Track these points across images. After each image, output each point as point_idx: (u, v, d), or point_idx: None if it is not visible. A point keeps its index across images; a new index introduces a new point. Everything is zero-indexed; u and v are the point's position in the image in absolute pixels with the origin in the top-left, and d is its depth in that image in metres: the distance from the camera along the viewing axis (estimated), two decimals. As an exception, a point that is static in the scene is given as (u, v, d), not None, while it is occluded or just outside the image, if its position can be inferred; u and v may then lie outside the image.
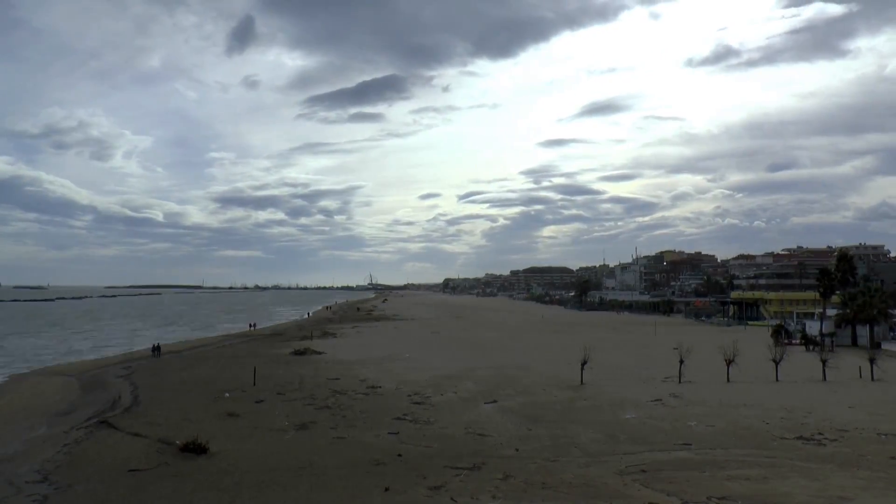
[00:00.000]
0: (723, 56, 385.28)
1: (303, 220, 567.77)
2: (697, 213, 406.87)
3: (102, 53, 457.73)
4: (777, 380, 33.86)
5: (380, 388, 31.47)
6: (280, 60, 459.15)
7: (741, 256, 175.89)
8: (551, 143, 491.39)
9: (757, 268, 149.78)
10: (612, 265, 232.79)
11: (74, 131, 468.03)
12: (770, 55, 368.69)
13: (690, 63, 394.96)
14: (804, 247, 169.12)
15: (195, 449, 18.76)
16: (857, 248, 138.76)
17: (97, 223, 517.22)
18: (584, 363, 33.02)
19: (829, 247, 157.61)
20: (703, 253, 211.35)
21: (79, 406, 28.46)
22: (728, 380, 33.35)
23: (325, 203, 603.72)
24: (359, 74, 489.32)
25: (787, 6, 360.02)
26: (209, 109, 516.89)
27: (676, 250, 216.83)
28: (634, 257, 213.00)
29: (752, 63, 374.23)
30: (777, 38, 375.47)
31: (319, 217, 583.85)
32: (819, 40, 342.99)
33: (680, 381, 33.01)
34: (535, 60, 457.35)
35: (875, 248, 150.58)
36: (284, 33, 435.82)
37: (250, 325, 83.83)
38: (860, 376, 35.75)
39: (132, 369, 40.16)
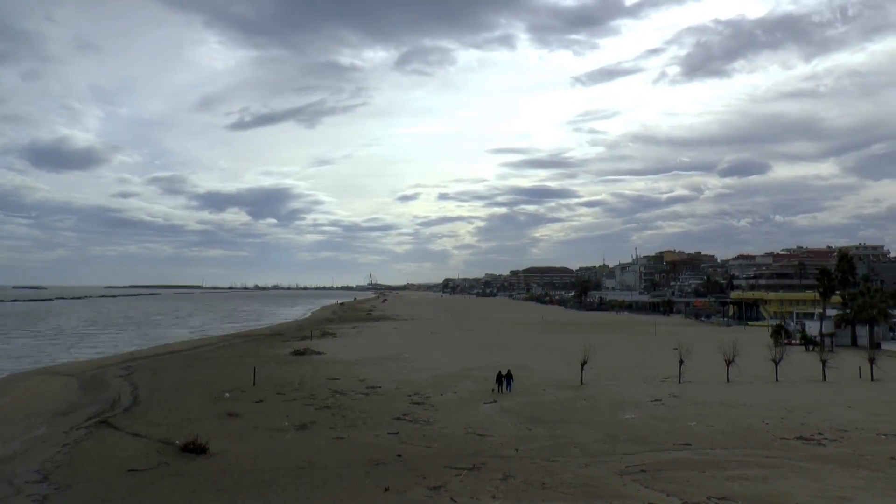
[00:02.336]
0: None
1: (293, 223, 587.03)
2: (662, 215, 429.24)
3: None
4: (777, 380, 33.86)
5: (379, 388, 31.46)
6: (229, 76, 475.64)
7: (741, 256, 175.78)
8: (500, 151, 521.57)
9: (757, 268, 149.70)
10: (611, 265, 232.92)
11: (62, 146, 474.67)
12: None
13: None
14: (804, 247, 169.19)
15: (195, 449, 18.75)
16: (856, 248, 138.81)
17: (90, 226, 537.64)
18: (583, 363, 33.01)
19: (829, 247, 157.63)
20: (702, 253, 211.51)
21: (79, 406, 28.42)
22: (728, 380, 33.35)
23: (311, 206, 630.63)
24: (305, 92, 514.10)
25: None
26: (173, 129, 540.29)
27: (676, 250, 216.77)
28: (634, 257, 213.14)
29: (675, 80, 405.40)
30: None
31: (310, 219, 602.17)
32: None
33: (680, 382, 33.00)
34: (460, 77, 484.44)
35: (875, 248, 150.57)
36: (233, 57, 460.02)
37: None
38: (860, 376, 35.75)
39: (132, 369, 40.14)
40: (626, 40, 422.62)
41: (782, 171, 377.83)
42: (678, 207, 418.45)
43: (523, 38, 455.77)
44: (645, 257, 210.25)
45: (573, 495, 14.70)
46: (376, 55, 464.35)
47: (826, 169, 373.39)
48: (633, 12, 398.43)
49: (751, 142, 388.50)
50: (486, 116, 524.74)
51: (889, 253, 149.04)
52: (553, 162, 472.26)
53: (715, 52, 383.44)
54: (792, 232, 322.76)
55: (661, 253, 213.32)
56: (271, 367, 39.46)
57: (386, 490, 15.26)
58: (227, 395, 29.66)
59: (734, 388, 31.65)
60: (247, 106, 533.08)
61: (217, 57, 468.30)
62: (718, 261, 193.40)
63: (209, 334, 75.27)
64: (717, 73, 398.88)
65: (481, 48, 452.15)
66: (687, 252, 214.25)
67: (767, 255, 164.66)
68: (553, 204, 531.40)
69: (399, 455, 18.61)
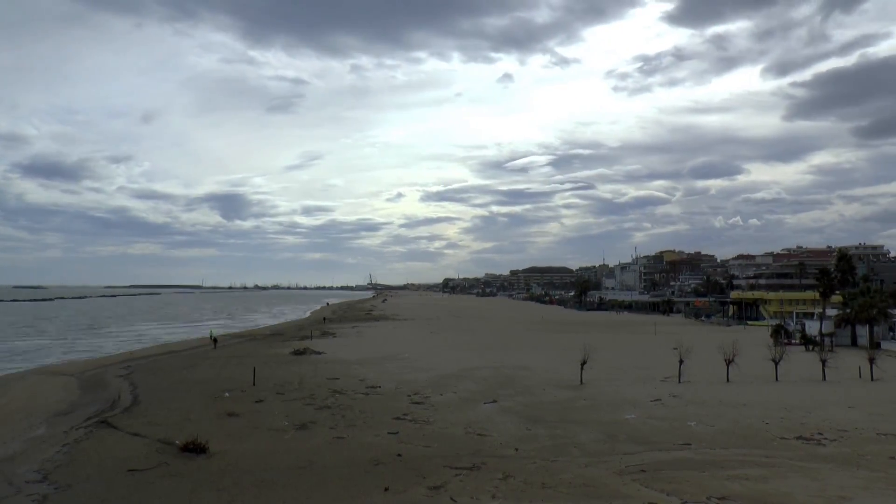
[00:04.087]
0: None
1: (285, 225, 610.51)
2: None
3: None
4: (777, 380, 33.87)
5: (379, 388, 31.47)
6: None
7: (741, 256, 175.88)
8: (464, 159, 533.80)
9: (757, 268, 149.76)
10: (611, 265, 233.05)
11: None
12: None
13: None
14: (804, 247, 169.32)
15: (195, 449, 18.74)
16: (856, 248, 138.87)
17: (83, 227, 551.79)
18: (583, 363, 33.02)
19: (828, 247, 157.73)
20: (702, 253, 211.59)
21: (78, 406, 28.42)
22: (728, 380, 33.36)
23: (300, 208, 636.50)
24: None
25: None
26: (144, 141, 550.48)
27: (676, 250, 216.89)
28: (634, 257, 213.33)
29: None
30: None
31: (301, 221, 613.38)
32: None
33: (679, 381, 33.01)
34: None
35: (875, 248, 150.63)
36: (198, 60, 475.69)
37: None
38: (860, 376, 35.76)
39: (132, 369, 40.15)
40: (555, 57, 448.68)
41: (747, 176, 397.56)
42: (657, 209, 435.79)
43: (455, 58, 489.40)
44: (645, 257, 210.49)
45: (573, 495, 14.69)
46: (324, 69, 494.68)
47: (784, 175, 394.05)
48: (552, 33, 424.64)
49: (691, 150, 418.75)
50: (439, 126, 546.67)
51: (889, 253, 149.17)
52: (521, 167, 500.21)
53: (632, 71, 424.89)
54: (756, 232, 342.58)
55: (661, 253, 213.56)
56: (271, 367, 39.46)
57: (386, 490, 15.25)
58: (227, 394, 29.68)
59: (734, 387, 31.65)
60: (219, 114, 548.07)
61: (176, 72, 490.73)
62: (718, 261, 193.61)
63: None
64: (641, 90, 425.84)
65: (418, 64, 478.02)
66: (687, 252, 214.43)
67: (767, 254, 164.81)
68: (529, 206, 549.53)
69: (399, 455, 18.61)
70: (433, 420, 23.91)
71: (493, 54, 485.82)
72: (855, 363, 38.00)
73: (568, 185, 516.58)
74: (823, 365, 35.26)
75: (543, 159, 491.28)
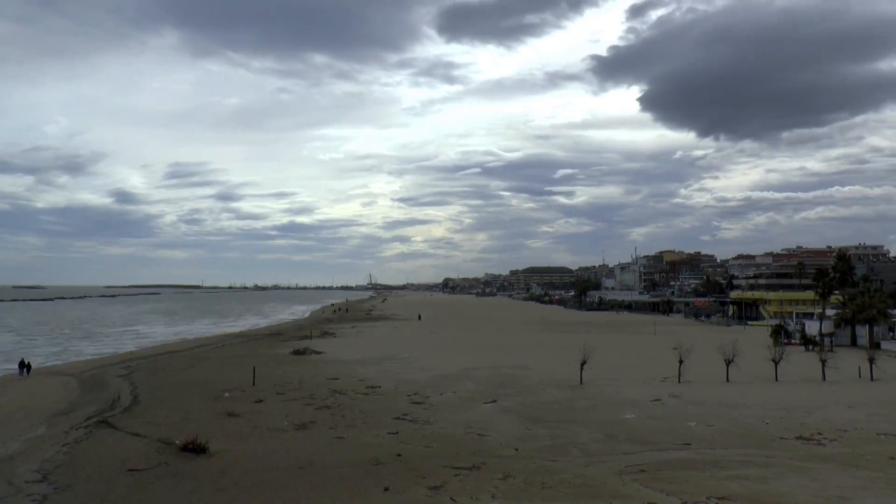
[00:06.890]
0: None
1: (278, 227, 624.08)
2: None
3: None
4: (776, 380, 33.88)
5: (379, 388, 31.47)
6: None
7: (740, 256, 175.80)
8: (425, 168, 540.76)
9: (756, 268, 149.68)
10: (611, 265, 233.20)
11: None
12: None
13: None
14: (804, 246, 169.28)
15: (195, 449, 18.76)
16: (856, 248, 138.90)
17: (80, 229, 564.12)
18: (583, 363, 33.02)
19: (828, 247, 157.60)
20: (702, 253, 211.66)
21: (78, 406, 28.41)
22: (727, 380, 33.37)
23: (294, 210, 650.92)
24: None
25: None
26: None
27: (676, 250, 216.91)
28: (634, 257, 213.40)
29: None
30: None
31: (295, 222, 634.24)
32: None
33: (679, 381, 33.02)
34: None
35: (874, 248, 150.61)
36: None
37: None
38: (859, 376, 35.78)
39: (132, 369, 40.16)
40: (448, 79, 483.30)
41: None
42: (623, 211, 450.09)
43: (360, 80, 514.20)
44: (645, 257, 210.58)
45: (573, 495, 14.70)
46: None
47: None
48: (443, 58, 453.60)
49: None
50: (380, 137, 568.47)
51: (889, 253, 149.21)
52: (474, 173, 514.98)
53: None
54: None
55: (661, 253, 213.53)
56: (271, 367, 39.46)
57: (385, 490, 15.26)
58: (226, 394, 29.68)
59: (734, 387, 31.66)
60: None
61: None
62: (718, 261, 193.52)
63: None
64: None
65: (330, 86, 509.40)
66: (687, 252, 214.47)
67: (767, 254, 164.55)
68: (492, 209, 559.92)
69: (399, 455, 18.61)
70: (433, 420, 23.91)
71: (392, 78, 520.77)
72: (855, 363, 38.01)
73: (519, 190, 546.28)
74: (823, 365, 35.27)
75: (492, 168, 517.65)
